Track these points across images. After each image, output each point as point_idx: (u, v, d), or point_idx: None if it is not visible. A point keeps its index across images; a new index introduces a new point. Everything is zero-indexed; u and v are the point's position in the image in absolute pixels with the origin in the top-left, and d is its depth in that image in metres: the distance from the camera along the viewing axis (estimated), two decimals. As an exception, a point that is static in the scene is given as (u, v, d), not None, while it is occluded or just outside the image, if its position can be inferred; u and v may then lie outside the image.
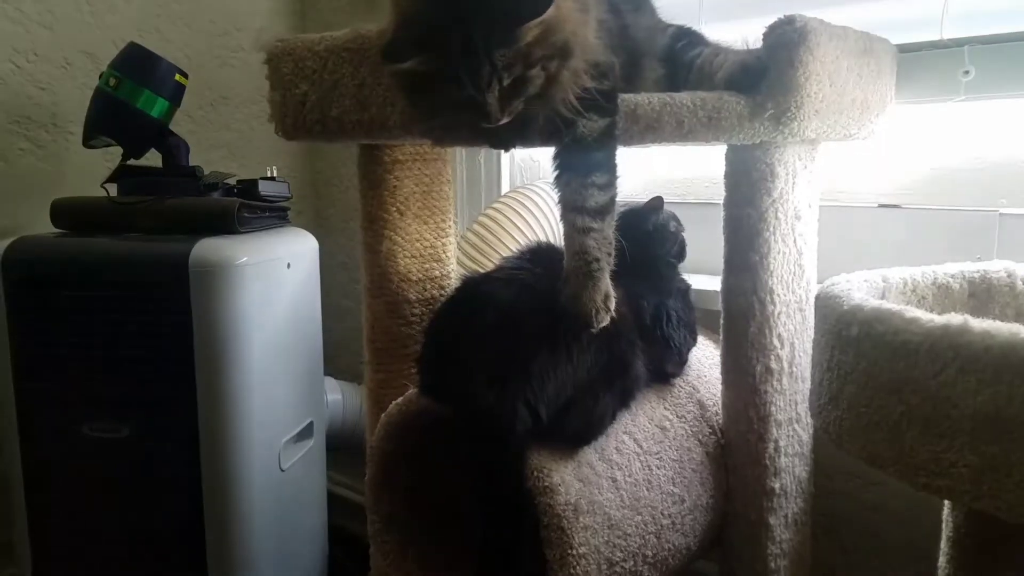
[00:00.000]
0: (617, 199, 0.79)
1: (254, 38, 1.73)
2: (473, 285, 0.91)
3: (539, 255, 0.92)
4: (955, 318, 0.59)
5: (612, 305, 0.78)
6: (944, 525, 0.82)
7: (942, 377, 0.58)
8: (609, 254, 0.78)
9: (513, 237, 1.23)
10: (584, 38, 0.71)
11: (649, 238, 1.02)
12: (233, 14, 1.72)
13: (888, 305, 0.64)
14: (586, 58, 0.72)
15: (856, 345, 0.65)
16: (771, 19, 0.83)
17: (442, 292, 1.07)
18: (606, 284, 0.78)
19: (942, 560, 0.82)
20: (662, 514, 0.87)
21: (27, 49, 1.41)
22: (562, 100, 0.72)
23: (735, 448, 0.94)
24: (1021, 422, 0.54)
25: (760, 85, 0.82)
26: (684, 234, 1.08)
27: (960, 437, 0.58)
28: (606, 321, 0.78)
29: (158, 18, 1.58)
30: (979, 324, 0.57)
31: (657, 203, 1.05)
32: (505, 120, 0.70)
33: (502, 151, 1.44)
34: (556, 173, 0.78)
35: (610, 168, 0.78)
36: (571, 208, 0.77)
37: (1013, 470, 0.55)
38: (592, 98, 0.74)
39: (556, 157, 0.78)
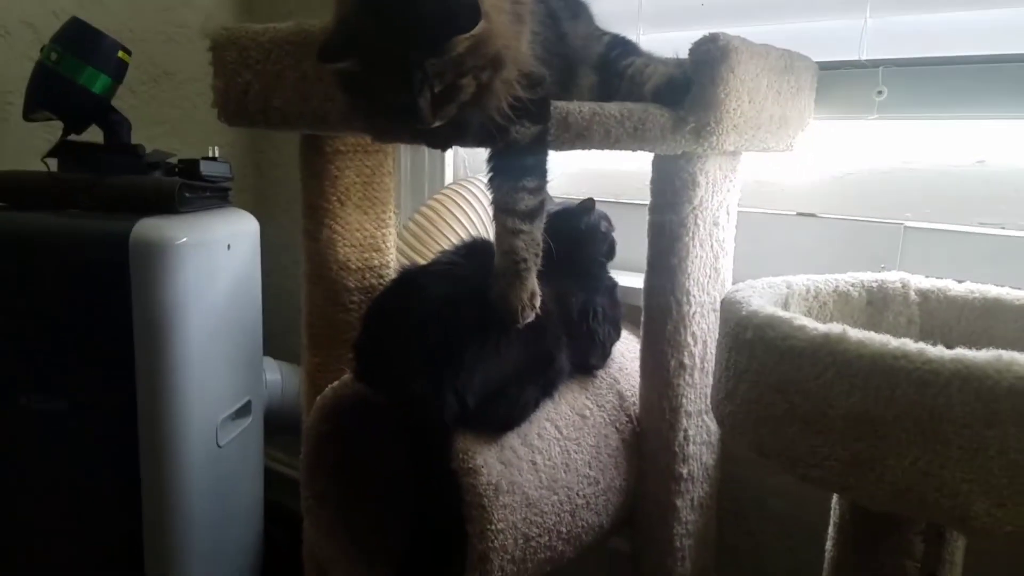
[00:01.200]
0: (546, 203, 0.83)
1: (201, 24, 1.71)
2: (410, 277, 0.95)
3: (474, 251, 0.96)
4: (835, 327, 0.66)
5: (537, 303, 0.83)
6: (832, 512, 0.90)
7: (821, 380, 0.65)
8: (537, 255, 0.82)
9: (453, 229, 1.27)
10: (516, 50, 0.75)
11: (581, 237, 1.07)
12: (179, -11, 1.70)
13: (780, 313, 0.70)
14: (519, 68, 0.76)
15: (750, 348, 0.71)
16: (706, 29, 0.86)
17: (380, 281, 1.10)
18: (532, 283, 0.82)
19: (829, 544, 0.89)
20: (577, 494, 0.93)
21: (-36, 17, 1.38)
22: (495, 107, 0.76)
23: (648, 436, 1.01)
24: (884, 422, 0.62)
25: (684, 99, 0.87)
26: (615, 233, 1.13)
27: (833, 434, 0.65)
28: (531, 318, 0.83)
29: (101, -11, 1.55)
30: (855, 334, 0.64)
31: (589, 204, 1.09)
32: (438, 123, 0.74)
33: (439, 150, 1.47)
34: (489, 176, 0.82)
35: (541, 173, 0.82)
36: (502, 210, 0.81)
37: (876, 464, 0.62)
38: (524, 107, 0.77)
39: (490, 160, 0.82)
